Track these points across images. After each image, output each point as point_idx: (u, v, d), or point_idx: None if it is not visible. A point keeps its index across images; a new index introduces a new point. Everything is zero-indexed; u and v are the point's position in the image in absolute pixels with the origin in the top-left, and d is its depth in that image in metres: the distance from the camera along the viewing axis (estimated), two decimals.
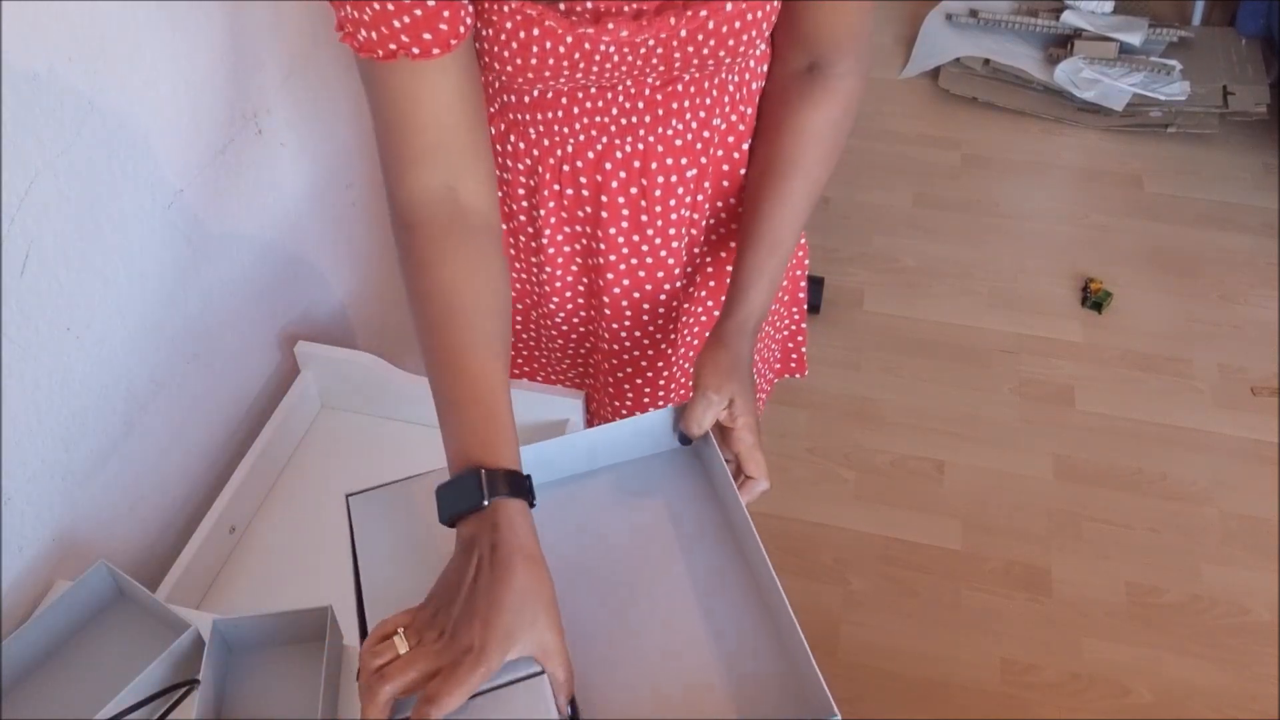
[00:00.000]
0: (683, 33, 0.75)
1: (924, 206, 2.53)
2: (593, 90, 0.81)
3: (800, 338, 1.17)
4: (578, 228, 0.92)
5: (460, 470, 0.70)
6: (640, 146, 0.86)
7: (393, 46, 0.69)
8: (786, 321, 1.14)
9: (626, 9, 0.73)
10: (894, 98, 2.84)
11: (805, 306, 1.14)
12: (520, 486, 0.70)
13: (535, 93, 0.82)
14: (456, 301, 0.74)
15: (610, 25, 0.73)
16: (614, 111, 0.83)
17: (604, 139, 0.85)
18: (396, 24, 0.68)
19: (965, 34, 2.88)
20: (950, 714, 1.60)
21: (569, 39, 0.74)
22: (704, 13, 0.73)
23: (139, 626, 0.86)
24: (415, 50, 0.69)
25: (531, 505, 0.71)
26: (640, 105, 0.83)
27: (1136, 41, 2.74)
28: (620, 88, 0.81)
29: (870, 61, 0.89)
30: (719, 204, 0.94)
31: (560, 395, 1.05)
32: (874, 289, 2.31)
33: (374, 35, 0.69)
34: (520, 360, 1.10)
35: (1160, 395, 2.08)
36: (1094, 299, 2.24)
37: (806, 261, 1.09)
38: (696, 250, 0.96)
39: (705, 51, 0.77)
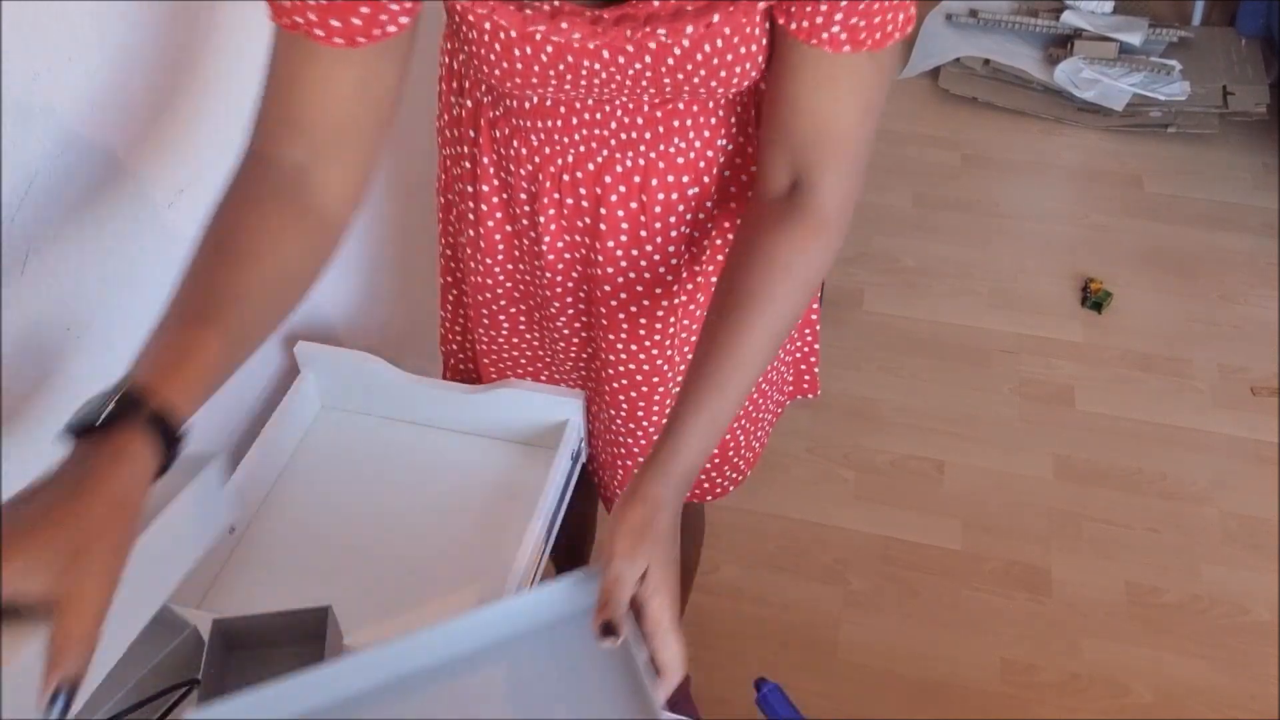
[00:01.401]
0: (647, 58, 0.73)
1: (924, 206, 2.53)
2: (590, 103, 0.81)
3: (813, 359, 1.15)
4: (576, 237, 0.92)
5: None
6: (641, 162, 0.85)
7: (298, 20, 0.67)
8: (799, 343, 1.12)
9: (587, 14, 0.71)
10: (894, 98, 2.84)
11: (818, 328, 1.11)
12: (164, 430, 0.59)
13: (535, 99, 0.82)
14: (238, 245, 0.68)
15: (564, 25, 0.70)
16: (613, 125, 0.82)
17: (604, 152, 0.84)
18: None
19: (965, 34, 2.87)
20: (950, 714, 1.60)
21: (549, 48, 0.72)
22: (662, 31, 0.70)
23: None
24: (319, 33, 0.67)
25: (167, 466, 0.60)
26: (640, 121, 0.82)
27: (1136, 41, 2.74)
28: (618, 103, 0.81)
29: (862, 180, 0.79)
30: (725, 224, 0.93)
31: (560, 395, 1.05)
32: (874, 289, 2.31)
33: (285, 2, 0.67)
34: (524, 361, 1.10)
35: (1160, 395, 2.07)
36: (1094, 299, 2.24)
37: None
38: (698, 268, 0.95)
39: (696, 80, 0.75)
